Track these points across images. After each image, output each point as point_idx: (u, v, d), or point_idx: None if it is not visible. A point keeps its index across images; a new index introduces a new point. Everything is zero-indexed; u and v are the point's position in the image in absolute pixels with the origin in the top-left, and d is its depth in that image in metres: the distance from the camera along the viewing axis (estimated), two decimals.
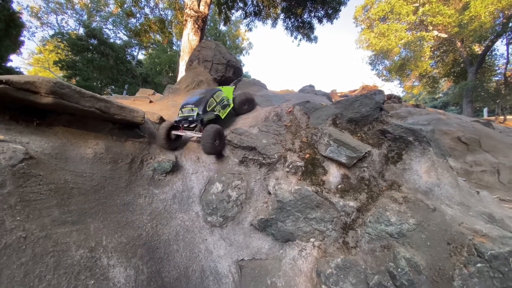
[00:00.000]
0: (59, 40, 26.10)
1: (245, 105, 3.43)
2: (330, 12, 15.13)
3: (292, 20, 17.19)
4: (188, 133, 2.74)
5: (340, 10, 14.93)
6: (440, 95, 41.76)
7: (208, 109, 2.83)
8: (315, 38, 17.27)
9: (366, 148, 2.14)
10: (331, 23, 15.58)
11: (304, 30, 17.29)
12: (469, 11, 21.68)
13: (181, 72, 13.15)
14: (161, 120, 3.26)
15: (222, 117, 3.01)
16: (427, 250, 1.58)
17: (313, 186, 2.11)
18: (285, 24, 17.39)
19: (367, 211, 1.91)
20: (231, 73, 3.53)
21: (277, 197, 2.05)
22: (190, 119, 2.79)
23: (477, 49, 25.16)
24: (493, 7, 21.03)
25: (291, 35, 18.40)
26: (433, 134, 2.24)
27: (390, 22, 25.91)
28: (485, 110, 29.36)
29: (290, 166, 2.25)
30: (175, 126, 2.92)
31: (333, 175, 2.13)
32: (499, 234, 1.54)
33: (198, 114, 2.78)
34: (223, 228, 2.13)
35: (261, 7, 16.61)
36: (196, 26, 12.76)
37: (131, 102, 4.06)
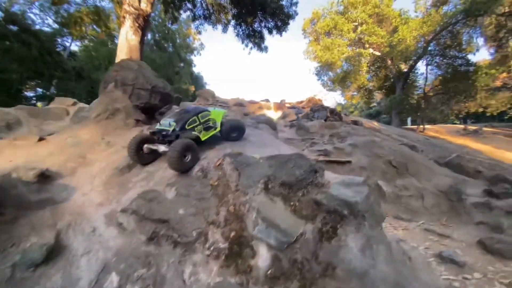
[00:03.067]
0: None
1: (233, 133, 3.03)
2: (279, 24, 15.33)
3: (243, 27, 16.93)
4: (161, 147, 2.49)
5: (288, 24, 15.24)
6: (375, 104, 47.03)
7: (187, 127, 2.56)
8: (266, 48, 17.35)
9: (298, 230, 1.85)
10: (280, 35, 15.80)
11: (255, 39, 17.20)
12: (398, 34, 24.64)
13: None
14: (43, 177, 2.34)
15: (202, 139, 2.68)
16: None
17: (238, 276, 1.72)
18: (236, 31, 17.01)
19: None
20: (158, 100, 2.93)
21: None
22: (164, 133, 2.51)
23: (404, 67, 28.86)
24: (416, 32, 24.27)
25: (242, 42, 18.12)
26: (369, 199, 2.11)
27: (334, 37, 27.83)
28: (409, 119, 33.96)
29: (212, 248, 1.82)
30: (150, 138, 2.65)
31: (263, 257, 1.79)
32: None
33: (174, 130, 2.50)
34: None
35: (211, 11, 15.90)
36: (136, 24, 11.42)
37: (9, 143, 3.08)
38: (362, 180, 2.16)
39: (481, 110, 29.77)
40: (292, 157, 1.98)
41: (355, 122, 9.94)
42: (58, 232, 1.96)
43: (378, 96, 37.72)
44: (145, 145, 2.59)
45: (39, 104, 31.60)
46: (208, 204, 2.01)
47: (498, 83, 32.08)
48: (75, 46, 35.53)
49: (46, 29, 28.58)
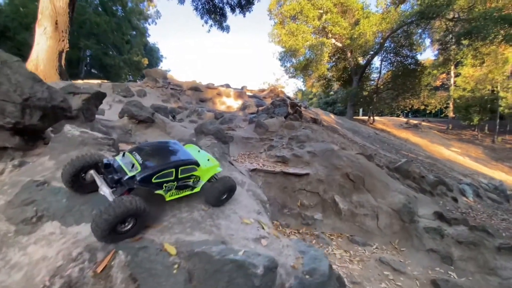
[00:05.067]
0: None
1: (223, 196, 2.12)
2: (243, 2, 14.02)
3: (203, 1, 15.16)
4: (104, 189, 1.62)
5: (253, 3, 14.04)
6: (332, 93, 49.00)
7: (153, 180, 1.72)
8: (227, 28, 15.94)
9: None
10: (243, 15, 14.57)
11: (216, 15, 15.60)
12: (359, 27, 25.15)
13: (38, 43, 9.33)
14: None
15: (166, 199, 1.84)
16: None
17: None
18: (194, 3, 15.16)
19: None
20: (37, 117, 1.85)
21: None
22: (117, 177, 1.65)
23: (361, 61, 29.99)
24: (375, 28, 25.05)
25: (202, 18, 16.35)
26: None
27: (299, 23, 27.26)
28: (361, 110, 36.15)
29: None
30: (98, 166, 1.79)
31: None
32: None
33: (131, 177, 1.65)
34: None
35: None
36: None
37: None
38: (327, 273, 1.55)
39: (422, 107, 32.90)
40: (228, 266, 1.21)
41: (315, 120, 9.68)
42: None
43: (335, 85, 39.06)
44: (92, 171, 1.79)
45: None
46: None
47: (438, 82, 35.84)
48: None
49: None
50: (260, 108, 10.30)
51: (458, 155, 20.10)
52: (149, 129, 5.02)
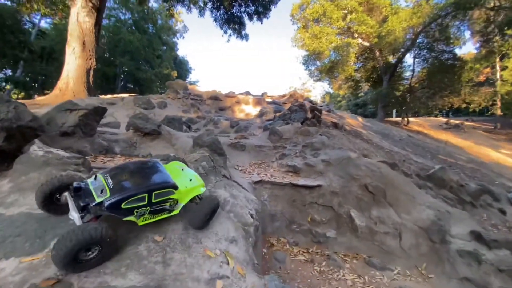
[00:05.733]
0: None
1: (207, 217, 2.06)
2: (260, 10, 14.00)
3: (221, 12, 15.45)
4: (74, 213, 1.56)
5: (270, 10, 13.94)
6: (362, 94, 46.67)
7: (123, 206, 1.62)
8: (246, 36, 16.01)
9: None
10: (261, 22, 14.52)
11: (234, 25, 15.77)
12: (387, 24, 23.70)
13: (68, 62, 10.14)
14: None
15: (139, 224, 1.75)
16: None
17: None
18: (213, 15, 15.53)
19: None
20: (1, 140, 1.76)
21: None
22: (85, 202, 1.57)
23: (391, 59, 28.18)
24: (405, 24, 23.42)
25: (221, 28, 16.68)
26: None
27: (323, 25, 26.59)
28: (394, 111, 33.76)
29: None
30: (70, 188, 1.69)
31: None
32: None
33: (99, 203, 1.56)
34: None
35: None
36: (90, 4, 9.87)
37: None
38: None
39: (464, 105, 29.86)
40: None
41: (335, 125, 9.12)
42: None
43: (365, 86, 37.29)
44: (66, 193, 1.71)
45: (7, 86, 28.88)
46: None
47: (481, 78, 32.21)
48: (45, 23, 32.30)
49: (7, 3, 25.28)
50: (277, 114, 10.01)
51: (508, 157, 17.62)
52: (155, 141, 5.02)
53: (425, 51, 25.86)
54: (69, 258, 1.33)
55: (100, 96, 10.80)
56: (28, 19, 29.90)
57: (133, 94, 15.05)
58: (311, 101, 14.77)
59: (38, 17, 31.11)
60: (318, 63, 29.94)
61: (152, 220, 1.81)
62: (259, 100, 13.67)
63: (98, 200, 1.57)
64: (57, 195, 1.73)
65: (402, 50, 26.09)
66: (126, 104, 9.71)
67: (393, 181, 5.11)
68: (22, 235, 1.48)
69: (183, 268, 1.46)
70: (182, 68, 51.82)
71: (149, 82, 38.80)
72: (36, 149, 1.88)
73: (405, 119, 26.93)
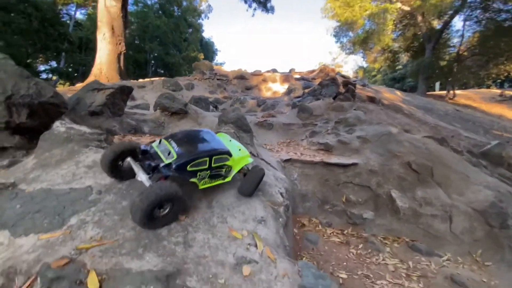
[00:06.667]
0: None
1: (257, 186, 2.19)
2: None
3: None
4: (141, 175, 1.71)
5: None
6: (400, 67, 42.63)
7: (188, 168, 1.79)
8: (272, 9, 15.15)
9: None
10: None
11: None
12: None
13: (100, 49, 10.46)
14: None
15: (200, 187, 1.93)
16: None
17: None
18: None
19: None
20: (25, 115, 1.77)
21: None
22: (154, 163, 1.74)
23: (436, 24, 24.93)
24: None
25: (245, 2, 15.98)
26: None
27: None
28: (437, 84, 30.37)
29: None
30: (136, 152, 1.87)
31: None
32: None
33: (167, 164, 1.72)
34: None
35: None
36: None
37: None
38: None
39: None
40: None
41: (372, 99, 8.37)
42: None
43: (403, 57, 33.99)
44: (129, 158, 1.86)
45: (53, 77, 31.39)
46: None
47: None
48: (80, 15, 33.81)
49: None
50: (306, 91, 9.45)
51: None
52: (182, 121, 4.98)
53: (478, 11, 22.33)
54: (148, 213, 1.41)
55: (132, 80, 11.13)
56: (65, 11, 31.43)
57: (161, 77, 15.35)
58: (343, 76, 13.75)
59: (74, 8, 32.48)
60: (350, 34, 27.74)
61: (210, 185, 1.94)
62: (286, 77, 13.05)
63: (166, 161, 1.69)
64: (120, 162, 1.83)
65: (450, 12, 22.86)
66: (156, 87, 9.89)
67: (442, 159, 4.54)
68: (41, 211, 1.45)
69: (206, 250, 1.32)
70: (208, 50, 51.71)
71: (177, 66, 39.42)
72: (59, 125, 1.85)
73: (451, 92, 24.07)
